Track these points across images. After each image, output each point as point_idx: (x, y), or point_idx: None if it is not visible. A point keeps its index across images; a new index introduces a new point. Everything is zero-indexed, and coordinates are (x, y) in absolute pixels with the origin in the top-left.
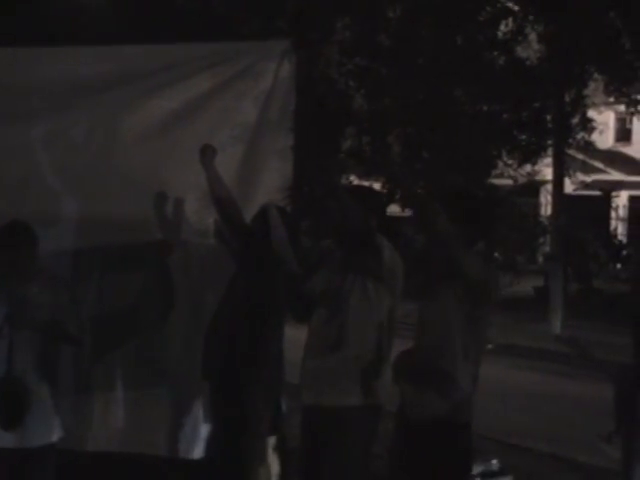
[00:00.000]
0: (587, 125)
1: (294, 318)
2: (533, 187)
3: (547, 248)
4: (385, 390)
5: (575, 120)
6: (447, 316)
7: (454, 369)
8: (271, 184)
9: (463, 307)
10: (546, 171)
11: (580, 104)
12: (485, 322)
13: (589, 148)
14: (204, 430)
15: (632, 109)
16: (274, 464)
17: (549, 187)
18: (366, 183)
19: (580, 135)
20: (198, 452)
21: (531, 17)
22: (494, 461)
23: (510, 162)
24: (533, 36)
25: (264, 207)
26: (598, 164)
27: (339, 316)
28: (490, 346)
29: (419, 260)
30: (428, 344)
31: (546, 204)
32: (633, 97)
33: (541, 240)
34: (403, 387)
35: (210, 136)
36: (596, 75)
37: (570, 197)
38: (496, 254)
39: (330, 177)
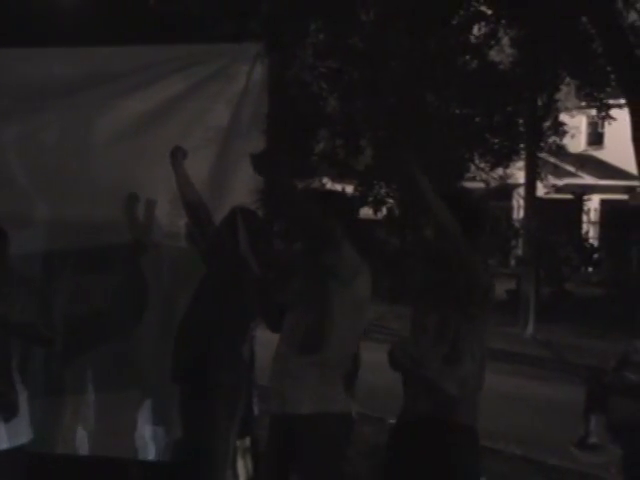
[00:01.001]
0: (559, 129)
1: (268, 327)
2: (505, 191)
3: (519, 251)
4: (353, 395)
5: (547, 124)
6: (451, 319)
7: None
8: (243, 187)
9: (467, 310)
10: (518, 175)
11: (552, 108)
12: (487, 324)
13: (561, 152)
14: (175, 433)
15: (603, 113)
16: (246, 467)
17: (521, 191)
18: (339, 186)
19: (552, 139)
20: (169, 455)
21: (504, 21)
22: None
23: (482, 165)
24: (506, 40)
25: (232, 210)
26: (570, 168)
27: (306, 320)
28: None
29: (393, 262)
30: (433, 348)
31: (518, 208)
32: (604, 101)
33: (513, 243)
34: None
35: (182, 138)
36: (568, 79)
37: (542, 201)
38: None
39: (284, 180)
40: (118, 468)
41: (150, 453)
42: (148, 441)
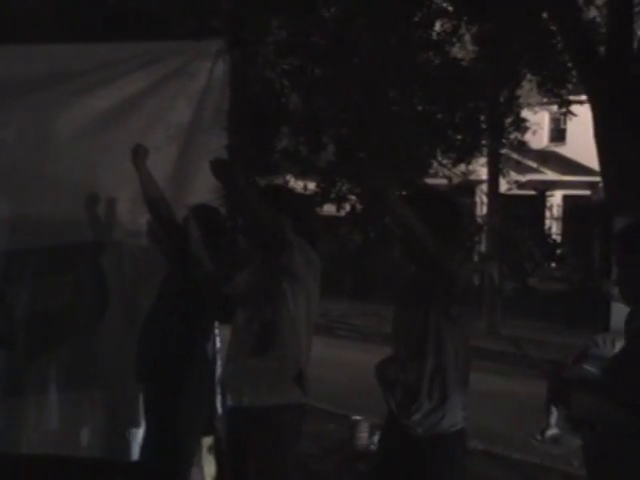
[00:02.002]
0: (520, 125)
1: (217, 319)
2: (469, 187)
3: (482, 247)
4: (306, 389)
5: (509, 120)
6: (432, 319)
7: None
8: (205, 184)
9: (447, 309)
10: (481, 171)
11: (513, 105)
12: (468, 322)
13: (522, 148)
14: (139, 432)
15: (564, 110)
16: (210, 465)
17: (484, 187)
18: (301, 183)
19: (513, 135)
20: (133, 454)
21: (465, 18)
22: None
23: (445, 162)
24: (468, 37)
25: (192, 208)
26: (532, 164)
27: (259, 316)
28: None
29: (357, 260)
30: (416, 348)
31: (481, 204)
32: (565, 98)
33: (476, 239)
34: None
35: (144, 136)
36: (530, 76)
37: (505, 197)
38: None
39: (233, 176)
40: (82, 467)
41: (113, 452)
42: (111, 440)
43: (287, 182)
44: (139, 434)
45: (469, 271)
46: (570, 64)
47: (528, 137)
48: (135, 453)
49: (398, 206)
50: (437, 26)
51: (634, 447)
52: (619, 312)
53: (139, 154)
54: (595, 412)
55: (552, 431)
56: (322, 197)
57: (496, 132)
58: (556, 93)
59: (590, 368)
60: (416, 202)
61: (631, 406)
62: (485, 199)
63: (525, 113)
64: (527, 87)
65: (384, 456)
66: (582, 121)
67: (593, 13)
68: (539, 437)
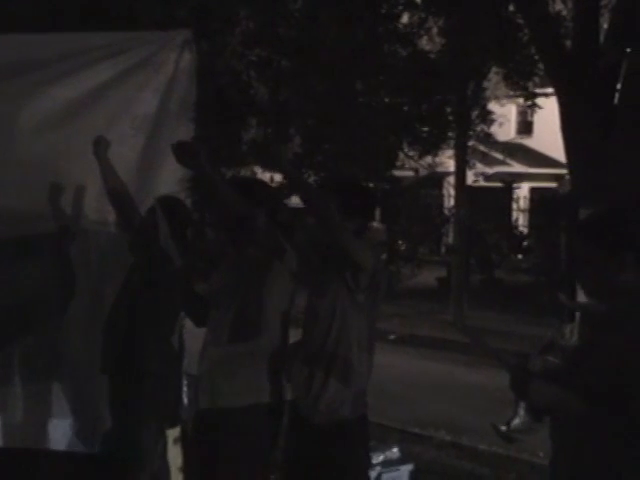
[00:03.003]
0: (486, 118)
1: (192, 320)
2: (436, 179)
3: (450, 239)
4: (285, 386)
5: (475, 113)
6: (339, 305)
7: (351, 358)
8: (171, 176)
9: (353, 295)
10: (449, 163)
11: (480, 97)
12: (376, 310)
13: (489, 140)
14: (104, 424)
15: (530, 102)
16: (176, 456)
17: (452, 179)
18: (268, 174)
19: (480, 127)
20: (98, 446)
21: (433, 10)
22: (395, 449)
23: (411, 154)
24: (436, 29)
25: (155, 201)
26: (500, 156)
27: (234, 311)
28: (392, 336)
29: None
30: (321, 334)
31: (449, 196)
32: (531, 91)
33: (444, 231)
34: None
35: (109, 126)
36: (496, 69)
37: (472, 189)
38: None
39: (197, 159)
40: (46, 459)
41: (78, 445)
42: (76, 432)
43: (255, 174)
44: (104, 426)
45: (379, 258)
46: (536, 57)
47: (495, 129)
48: (100, 445)
49: (310, 189)
50: (405, 18)
51: (592, 436)
52: None
53: (100, 145)
54: (554, 402)
55: (517, 421)
56: (288, 189)
57: (462, 124)
58: (522, 86)
59: (553, 359)
60: (329, 189)
61: (590, 395)
62: (452, 191)
63: (492, 106)
64: (495, 80)
65: (291, 445)
66: (549, 114)
67: (559, 6)
68: (504, 427)
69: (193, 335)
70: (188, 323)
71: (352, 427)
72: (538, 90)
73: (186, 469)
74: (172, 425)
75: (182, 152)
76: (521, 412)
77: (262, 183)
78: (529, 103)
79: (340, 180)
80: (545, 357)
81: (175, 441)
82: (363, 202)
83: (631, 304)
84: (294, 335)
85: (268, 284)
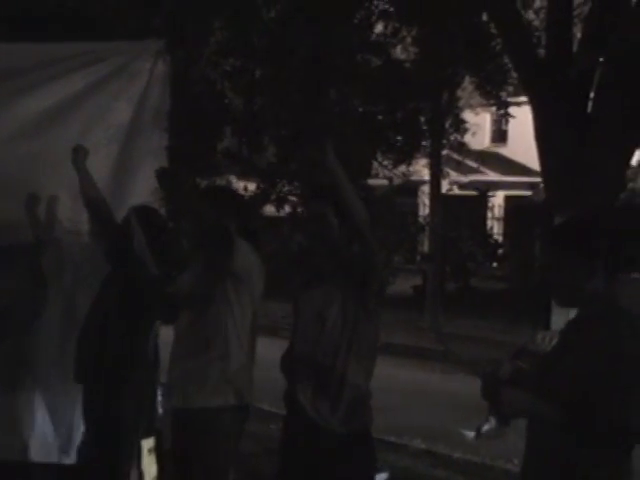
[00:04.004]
0: (460, 126)
1: (161, 320)
2: (411, 187)
3: (425, 248)
4: (251, 390)
5: (449, 122)
6: (349, 313)
7: (343, 367)
8: (145, 185)
9: (365, 301)
10: (424, 172)
11: (453, 106)
12: (375, 316)
13: (462, 149)
14: (78, 434)
15: (502, 111)
16: (151, 466)
17: (427, 188)
18: (242, 184)
19: (453, 136)
20: (72, 457)
21: (406, 19)
22: None
23: (385, 163)
24: (409, 38)
25: (130, 209)
26: (474, 165)
27: (202, 318)
28: None
29: (301, 259)
30: (331, 344)
31: (424, 204)
32: (504, 100)
33: (419, 240)
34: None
35: (84, 136)
36: (470, 77)
37: (447, 197)
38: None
39: (184, 185)
40: (20, 471)
41: (54, 456)
42: (52, 443)
43: (230, 183)
44: (78, 437)
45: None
46: (509, 66)
47: (469, 138)
48: (74, 456)
49: (345, 183)
50: (379, 27)
51: (562, 442)
52: (560, 311)
53: (79, 154)
54: (526, 409)
55: (487, 427)
56: (262, 198)
57: (436, 133)
58: (495, 95)
59: (523, 365)
60: (325, 195)
61: (560, 402)
62: (427, 200)
63: (467, 114)
64: (469, 89)
65: (289, 447)
66: (523, 122)
67: (532, 16)
68: (471, 434)
69: (169, 344)
70: (164, 332)
71: (361, 439)
72: (511, 99)
73: (160, 479)
74: (147, 435)
75: (165, 179)
76: (491, 418)
77: (231, 192)
78: (502, 112)
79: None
80: (515, 363)
81: (150, 451)
82: (392, 215)
83: (600, 310)
84: (270, 343)
85: (238, 295)
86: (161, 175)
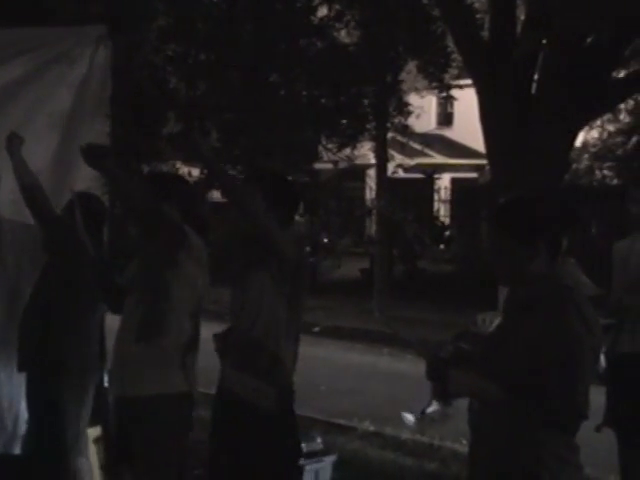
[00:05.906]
0: (403, 109)
1: (109, 309)
2: (357, 171)
3: (372, 231)
4: (193, 376)
5: (392, 104)
6: (265, 297)
7: (279, 350)
8: (88, 171)
9: (279, 287)
10: (370, 155)
11: (396, 89)
12: (301, 302)
13: (406, 132)
14: (24, 424)
15: (445, 94)
16: (98, 454)
17: (373, 171)
18: (186, 169)
19: (397, 119)
20: (17, 446)
21: (348, 2)
22: (318, 440)
23: (330, 146)
24: (353, 22)
25: (73, 195)
26: (420, 148)
27: (143, 303)
28: (317, 329)
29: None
30: (248, 326)
31: (371, 188)
32: (446, 82)
33: (366, 223)
34: (227, 370)
35: (24, 123)
36: (412, 60)
37: (393, 180)
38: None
39: (102, 161)
40: None
41: (3, 446)
42: (1, 433)
43: (177, 169)
44: (23, 426)
45: (303, 250)
46: (452, 48)
47: (414, 121)
48: (19, 446)
49: (230, 179)
50: (323, 10)
51: (509, 421)
52: (506, 292)
53: (13, 142)
54: (472, 389)
55: (431, 409)
56: (207, 183)
57: (380, 116)
58: (438, 77)
59: (464, 346)
60: (253, 181)
61: (507, 381)
62: (374, 184)
63: (412, 97)
64: (414, 72)
65: (218, 435)
66: (469, 105)
67: None
68: (412, 417)
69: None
70: (109, 320)
71: (278, 420)
72: (455, 82)
73: (107, 467)
74: (93, 423)
75: (89, 154)
76: (434, 400)
77: (178, 178)
78: (445, 95)
79: (264, 172)
80: (457, 344)
81: (96, 440)
82: (286, 194)
83: (546, 290)
84: (217, 328)
85: (175, 279)
86: (86, 152)
